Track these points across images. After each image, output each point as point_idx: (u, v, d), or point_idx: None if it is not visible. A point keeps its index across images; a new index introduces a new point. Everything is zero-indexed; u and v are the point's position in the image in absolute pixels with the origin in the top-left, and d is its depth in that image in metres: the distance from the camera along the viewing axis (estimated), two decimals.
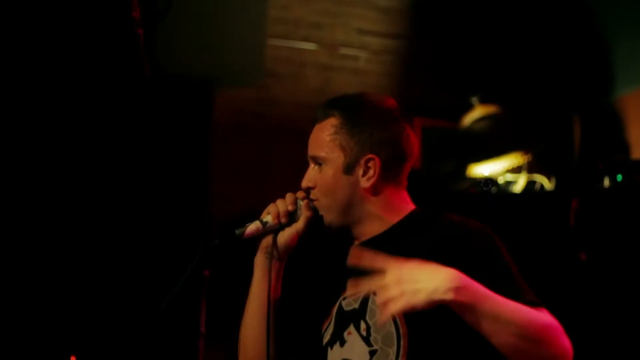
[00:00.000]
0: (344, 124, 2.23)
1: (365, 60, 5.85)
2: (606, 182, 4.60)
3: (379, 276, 1.89)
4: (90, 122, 4.30)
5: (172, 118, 4.75)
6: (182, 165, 4.75)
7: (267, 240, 2.27)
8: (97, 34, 3.85)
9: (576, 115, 5.87)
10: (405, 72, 5.88)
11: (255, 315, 2.27)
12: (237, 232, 2.22)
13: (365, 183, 2.21)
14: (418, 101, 5.82)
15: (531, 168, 5.51)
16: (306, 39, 5.73)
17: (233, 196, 5.26)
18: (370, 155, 2.20)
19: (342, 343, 2.20)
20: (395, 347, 2.09)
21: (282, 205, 2.24)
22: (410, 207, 2.27)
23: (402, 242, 2.17)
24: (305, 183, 2.27)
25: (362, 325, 2.17)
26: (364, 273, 2.18)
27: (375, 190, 2.22)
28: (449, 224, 2.16)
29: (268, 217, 2.24)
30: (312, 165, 2.27)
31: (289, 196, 2.25)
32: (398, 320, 2.10)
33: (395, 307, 1.85)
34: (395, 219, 2.23)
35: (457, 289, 1.86)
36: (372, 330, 2.14)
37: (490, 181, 5.31)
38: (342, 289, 2.26)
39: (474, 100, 5.68)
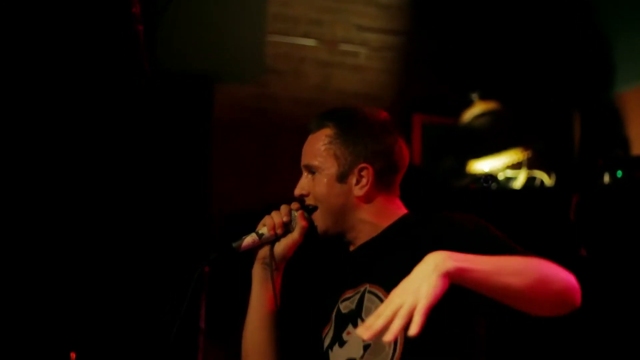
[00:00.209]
0: (339, 134, 2.29)
1: (365, 57, 5.84)
2: (606, 178, 4.60)
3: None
4: (89, 119, 4.30)
5: (172, 114, 4.75)
6: (182, 162, 4.75)
7: (264, 251, 2.32)
8: (97, 31, 3.84)
9: (576, 111, 5.87)
10: (405, 69, 5.88)
11: (255, 326, 2.32)
12: (234, 245, 2.27)
13: (358, 191, 2.27)
14: (418, 97, 5.83)
15: (531, 164, 5.51)
16: (306, 36, 5.72)
17: (233, 192, 5.26)
18: (363, 165, 2.26)
19: (342, 344, 2.24)
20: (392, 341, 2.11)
21: (277, 216, 2.29)
22: (402, 211, 2.32)
23: (393, 244, 2.23)
24: (298, 191, 2.32)
25: (359, 322, 2.19)
26: (359, 276, 2.22)
27: (367, 198, 2.27)
28: (436, 219, 2.20)
29: (264, 229, 2.30)
30: (305, 174, 2.33)
31: (284, 208, 2.31)
32: None
33: (423, 305, 1.78)
34: (386, 223, 2.28)
35: (450, 257, 1.84)
36: None
37: (490, 177, 5.32)
38: (340, 293, 2.30)
39: (474, 96, 5.67)
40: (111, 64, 4.07)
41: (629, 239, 4.37)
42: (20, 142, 4.17)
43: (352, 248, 2.31)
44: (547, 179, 5.50)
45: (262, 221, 2.31)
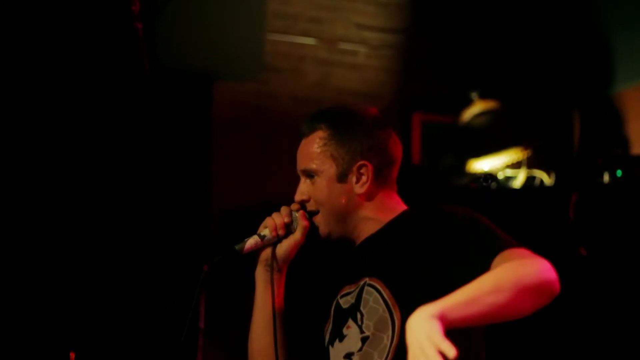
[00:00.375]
0: (333, 135, 2.29)
1: (364, 55, 5.84)
2: (606, 177, 4.60)
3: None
4: (88, 118, 4.29)
5: (171, 112, 4.75)
6: (182, 160, 4.75)
7: (266, 253, 2.32)
8: (96, 28, 3.84)
9: (576, 110, 5.87)
10: (404, 68, 5.88)
11: (260, 328, 2.32)
12: (236, 247, 2.28)
13: (359, 189, 2.27)
14: (417, 96, 5.83)
15: (531, 163, 5.51)
16: (305, 34, 5.72)
17: (233, 190, 5.26)
18: (362, 162, 2.27)
19: (342, 338, 2.25)
20: (390, 332, 2.13)
21: (278, 218, 2.30)
22: (402, 207, 2.33)
23: (394, 238, 2.24)
24: (298, 196, 2.32)
25: (358, 316, 2.21)
26: (359, 271, 2.23)
27: (369, 195, 2.28)
28: (431, 214, 2.20)
29: (265, 231, 2.30)
30: (303, 179, 2.33)
31: (284, 209, 2.31)
32: (392, 306, 2.14)
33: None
34: (387, 218, 2.29)
35: (427, 308, 1.83)
36: (365, 317, 2.19)
37: (489, 176, 5.32)
38: (339, 289, 2.31)
39: (474, 95, 5.67)
40: (110, 62, 4.06)
41: (629, 238, 4.37)
42: (20, 141, 4.16)
43: (354, 245, 2.31)
44: (546, 178, 5.50)
45: (264, 223, 2.31)
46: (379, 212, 2.28)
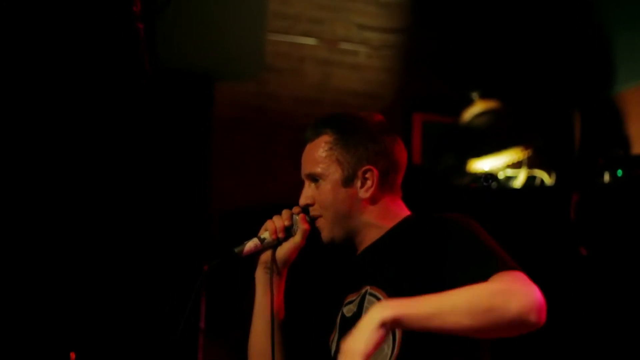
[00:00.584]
0: (339, 139, 2.28)
1: (365, 55, 5.84)
2: (606, 177, 4.60)
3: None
4: (89, 118, 4.29)
5: (171, 112, 4.75)
6: (182, 160, 4.75)
7: (266, 256, 2.31)
8: (97, 28, 3.84)
9: (576, 110, 5.87)
10: (405, 67, 5.88)
11: (260, 331, 2.32)
12: (236, 250, 2.27)
13: (364, 194, 2.26)
14: (418, 96, 5.83)
15: (531, 163, 5.51)
16: (306, 34, 5.72)
17: (233, 190, 5.26)
18: (367, 167, 2.26)
19: None
20: (390, 342, 2.12)
21: (278, 221, 2.29)
22: (405, 213, 2.32)
23: (396, 246, 2.23)
24: (303, 201, 2.31)
25: None
26: (361, 279, 2.23)
27: (373, 200, 2.27)
28: (433, 222, 2.19)
29: (265, 234, 2.29)
30: (307, 183, 2.31)
31: (285, 212, 2.30)
32: None
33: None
34: (390, 224, 2.28)
35: (388, 306, 1.90)
36: None
37: (490, 176, 5.32)
38: (343, 297, 2.31)
39: (474, 95, 5.67)
40: (111, 62, 4.06)
41: (629, 238, 4.37)
42: (20, 140, 4.16)
43: (357, 252, 2.31)
44: (547, 178, 5.50)
45: (264, 226, 2.30)
46: (382, 218, 2.27)
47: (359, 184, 2.26)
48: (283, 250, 2.30)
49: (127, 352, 4.27)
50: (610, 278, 4.37)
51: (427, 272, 2.10)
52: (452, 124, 5.75)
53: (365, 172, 2.25)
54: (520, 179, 5.48)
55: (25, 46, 3.83)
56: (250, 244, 2.27)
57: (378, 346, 1.87)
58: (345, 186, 2.26)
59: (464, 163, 5.63)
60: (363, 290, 2.23)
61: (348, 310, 2.27)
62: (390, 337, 2.12)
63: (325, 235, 2.29)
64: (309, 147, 2.32)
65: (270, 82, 5.55)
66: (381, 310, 1.88)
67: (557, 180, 5.48)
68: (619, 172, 4.55)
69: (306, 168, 2.31)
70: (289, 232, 2.29)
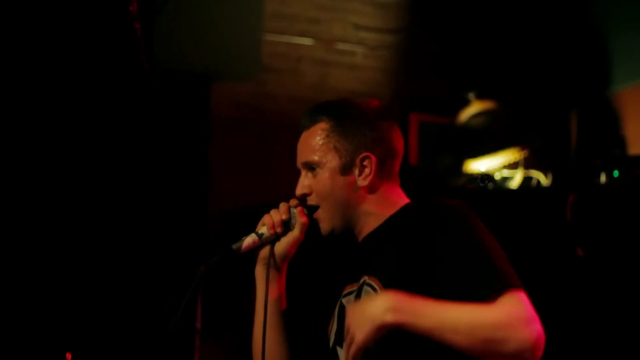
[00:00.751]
0: (335, 126, 2.24)
1: (362, 56, 5.84)
2: (603, 177, 4.61)
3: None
4: (87, 118, 4.29)
5: (169, 113, 4.75)
6: (180, 160, 4.75)
7: (265, 251, 2.28)
8: (95, 29, 3.84)
9: (573, 110, 5.87)
10: (402, 68, 5.88)
11: (262, 327, 2.27)
12: (234, 246, 2.23)
13: (362, 182, 2.22)
14: (415, 96, 5.83)
15: (528, 164, 5.51)
16: (303, 34, 5.72)
17: (231, 190, 5.26)
18: (365, 154, 2.22)
19: None
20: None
21: (276, 215, 2.25)
22: (404, 200, 2.28)
23: (393, 235, 2.19)
24: (300, 190, 2.27)
25: None
26: (359, 269, 2.21)
27: (372, 188, 2.23)
28: (431, 209, 2.16)
29: (263, 229, 2.25)
30: (304, 173, 2.27)
31: (282, 205, 2.26)
32: None
33: (352, 350, 1.94)
34: (388, 213, 2.24)
35: (395, 310, 1.92)
36: None
37: (486, 177, 5.32)
38: (342, 288, 2.29)
39: (471, 95, 5.67)
40: (109, 62, 4.06)
41: (626, 238, 4.38)
42: (18, 140, 4.16)
43: (356, 241, 2.27)
44: (543, 179, 5.50)
45: (261, 220, 2.26)
46: (380, 206, 2.23)
47: (357, 171, 2.21)
48: (282, 245, 2.26)
49: (124, 353, 4.27)
50: (607, 279, 4.38)
51: (425, 264, 2.07)
52: (449, 124, 5.75)
53: (363, 159, 2.21)
54: (516, 179, 5.48)
55: (23, 46, 3.83)
56: (248, 240, 2.24)
57: (370, 343, 1.92)
58: (343, 174, 2.21)
59: (460, 163, 5.63)
60: (361, 281, 2.20)
61: (347, 300, 2.24)
62: None
63: (324, 226, 2.24)
64: (304, 135, 2.28)
65: (267, 82, 5.55)
66: (385, 312, 1.91)
67: (553, 181, 5.48)
68: (616, 173, 4.56)
69: (302, 156, 2.27)
70: (287, 226, 2.25)
